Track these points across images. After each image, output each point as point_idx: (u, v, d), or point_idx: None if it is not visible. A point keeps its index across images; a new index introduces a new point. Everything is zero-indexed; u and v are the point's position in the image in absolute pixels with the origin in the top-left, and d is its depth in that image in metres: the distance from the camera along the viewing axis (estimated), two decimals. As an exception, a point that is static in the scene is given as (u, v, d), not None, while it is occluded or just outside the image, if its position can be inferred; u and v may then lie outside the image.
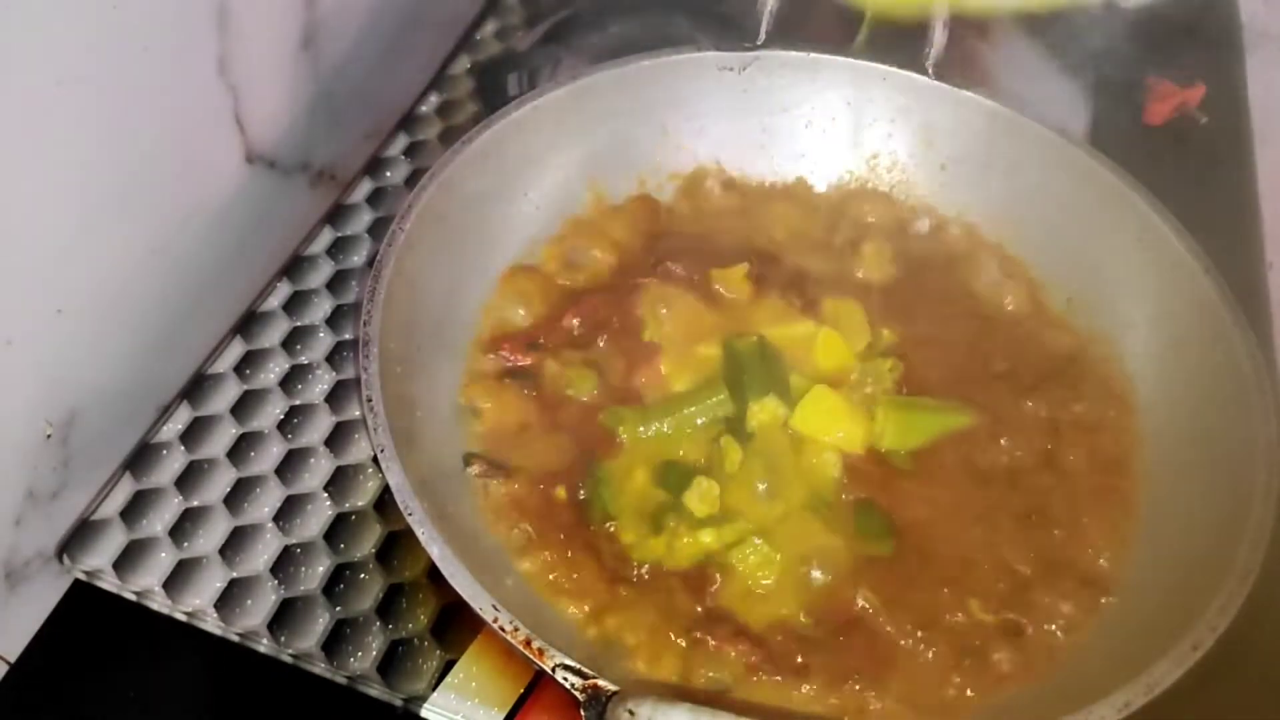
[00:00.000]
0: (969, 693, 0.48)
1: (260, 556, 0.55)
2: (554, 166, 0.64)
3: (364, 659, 0.52)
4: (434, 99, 0.79)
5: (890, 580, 0.51)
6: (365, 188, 0.73)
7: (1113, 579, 0.51)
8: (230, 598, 0.54)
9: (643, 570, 0.51)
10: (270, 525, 0.56)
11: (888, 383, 0.57)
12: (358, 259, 0.69)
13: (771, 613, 0.50)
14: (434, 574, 0.54)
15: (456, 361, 0.58)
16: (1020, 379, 0.59)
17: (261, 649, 0.53)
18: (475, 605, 0.42)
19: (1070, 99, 0.81)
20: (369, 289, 0.52)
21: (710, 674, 0.48)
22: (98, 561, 0.55)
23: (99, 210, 0.53)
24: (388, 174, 0.74)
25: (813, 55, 0.66)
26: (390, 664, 0.52)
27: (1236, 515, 0.47)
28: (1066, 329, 0.62)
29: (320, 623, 0.53)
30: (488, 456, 0.55)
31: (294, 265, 0.68)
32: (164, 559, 0.55)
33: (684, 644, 0.49)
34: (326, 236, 0.70)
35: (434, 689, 0.51)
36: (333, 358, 0.64)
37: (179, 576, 0.54)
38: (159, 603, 0.54)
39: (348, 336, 0.65)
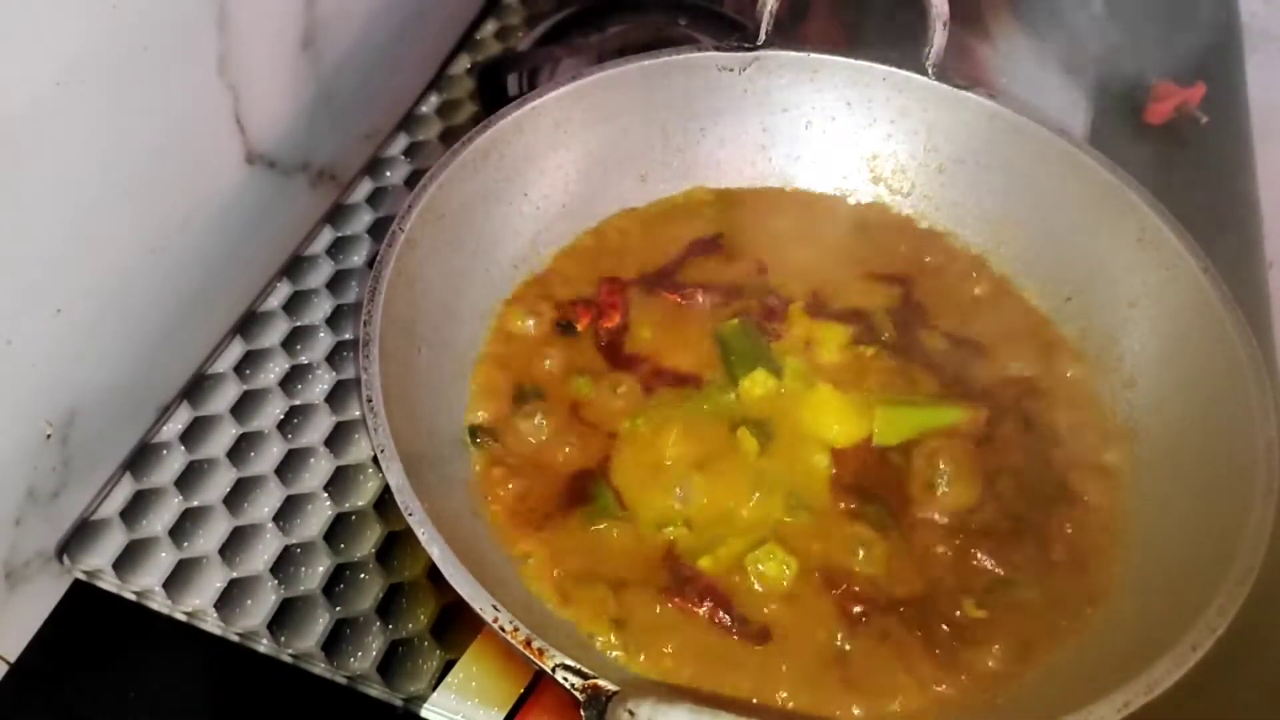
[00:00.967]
0: (967, 692, 0.48)
1: (260, 556, 0.55)
2: (554, 166, 0.64)
3: (364, 659, 0.52)
4: (434, 99, 0.79)
5: (886, 577, 0.51)
6: (365, 188, 0.73)
7: (1110, 579, 0.51)
8: (230, 598, 0.54)
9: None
10: (270, 525, 0.56)
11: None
12: (358, 259, 0.69)
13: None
14: (434, 574, 0.54)
15: (457, 361, 0.58)
16: (1012, 376, 0.59)
17: (261, 649, 0.53)
18: (475, 605, 0.42)
19: (1070, 99, 0.81)
20: (369, 289, 0.52)
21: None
22: (98, 561, 0.55)
23: (99, 210, 0.53)
24: (388, 174, 0.74)
25: (813, 55, 0.66)
26: (390, 664, 0.52)
27: (1236, 515, 0.47)
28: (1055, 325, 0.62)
29: (320, 623, 0.53)
30: (492, 429, 0.56)
31: (294, 265, 0.68)
32: (164, 559, 0.55)
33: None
34: (326, 236, 0.70)
35: (434, 689, 0.51)
36: (333, 358, 0.64)
37: (179, 576, 0.54)
38: (159, 603, 0.54)
39: (348, 336, 0.65)
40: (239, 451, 0.59)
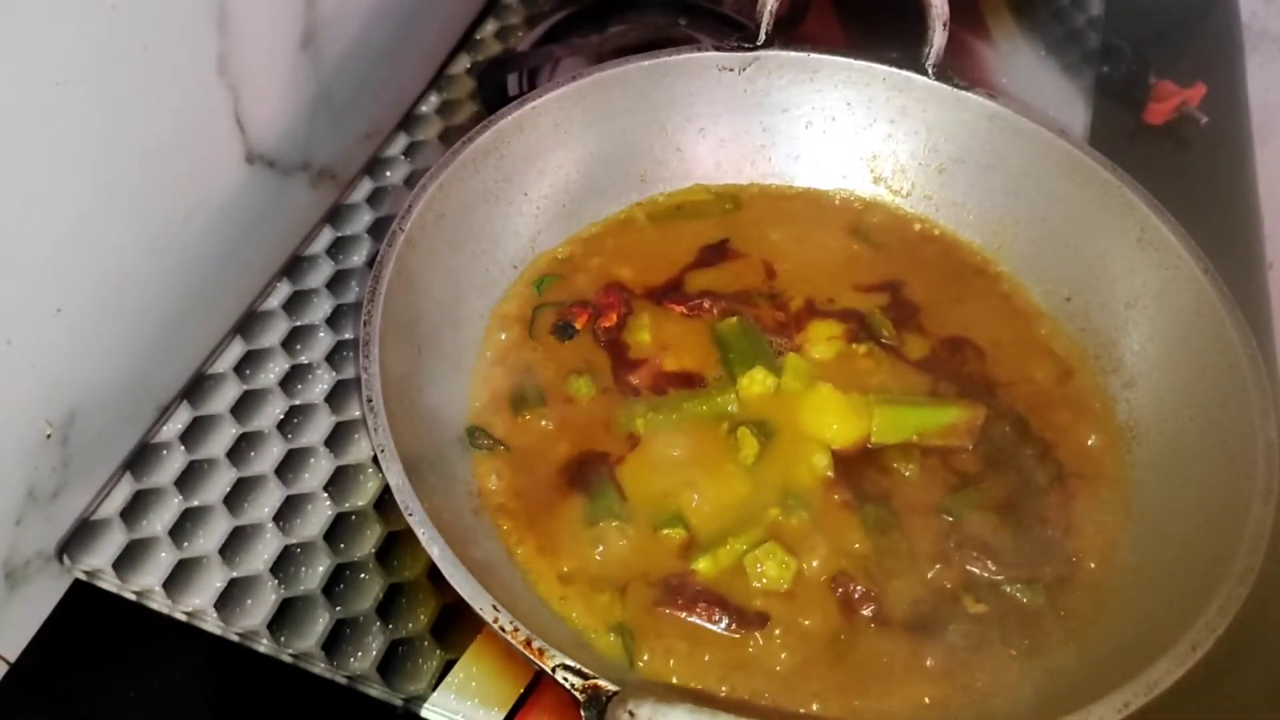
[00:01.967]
0: (967, 690, 0.48)
1: (260, 556, 0.55)
2: (554, 166, 0.64)
3: (364, 659, 0.52)
4: (434, 99, 0.79)
5: (886, 576, 0.51)
6: (365, 188, 0.73)
7: (1110, 579, 0.51)
8: (230, 598, 0.54)
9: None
10: (270, 525, 0.56)
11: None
12: (358, 259, 0.69)
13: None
14: (434, 574, 0.54)
15: (457, 361, 0.58)
16: (1012, 376, 0.59)
17: (261, 649, 0.53)
18: (475, 605, 0.42)
19: (1070, 99, 0.81)
20: (369, 289, 0.52)
21: None
22: (98, 561, 0.55)
23: (98, 210, 0.53)
24: (388, 174, 0.74)
25: (813, 55, 0.66)
26: (390, 664, 0.52)
27: (1236, 515, 0.47)
28: (1058, 328, 0.62)
29: (320, 623, 0.53)
30: (490, 433, 0.56)
31: (294, 265, 0.68)
32: (164, 559, 0.55)
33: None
34: (326, 236, 0.70)
35: (434, 689, 0.51)
36: (333, 358, 0.64)
37: (179, 576, 0.54)
38: (159, 603, 0.54)
39: (348, 336, 0.65)
40: (239, 451, 0.59)
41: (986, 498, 0.54)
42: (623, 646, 0.49)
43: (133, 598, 0.55)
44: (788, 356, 0.59)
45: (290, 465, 0.59)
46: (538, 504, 0.53)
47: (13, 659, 0.54)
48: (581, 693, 0.39)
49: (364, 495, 0.58)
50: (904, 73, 0.65)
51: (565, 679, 0.40)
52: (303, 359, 0.64)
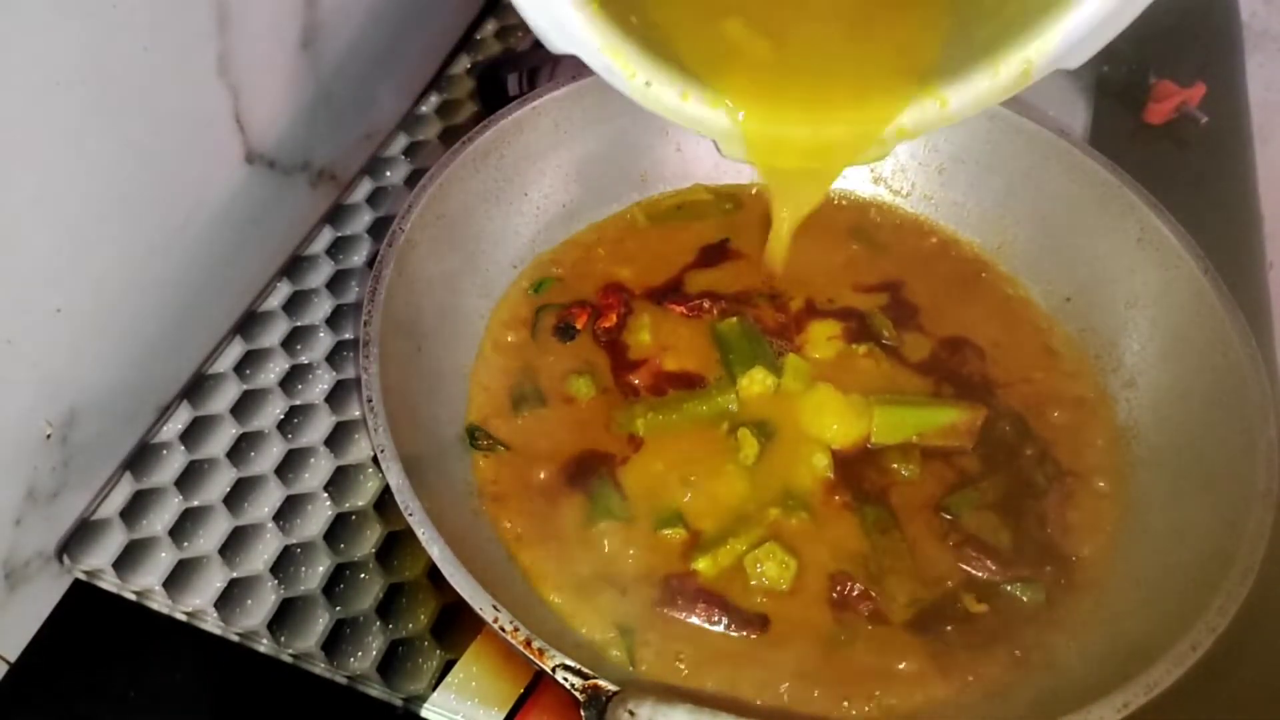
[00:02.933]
0: (967, 690, 0.48)
1: (260, 556, 0.55)
2: (554, 166, 0.64)
3: (364, 659, 0.52)
4: (434, 99, 0.79)
5: (885, 576, 0.51)
6: (365, 188, 0.73)
7: (1110, 579, 0.51)
8: (230, 598, 0.54)
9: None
10: (270, 525, 0.56)
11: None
12: (358, 259, 0.69)
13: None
14: (434, 574, 0.54)
15: (457, 361, 0.58)
16: (1011, 376, 0.59)
17: (261, 649, 0.53)
18: (475, 605, 0.42)
19: (1070, 99, 0.81)
20: (369, 289, 0.52)
21: None
22: (98, 561, 0.55)
23: (99, 210, 0.53)
24: (388, 174, 0.74)
25: (813, 55, 0.66)
26: (390, 664, 0.52)
27: (1236, 515, 0.47)
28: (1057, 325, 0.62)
29: (320, 623, 0.53)
30: (490, 433, 0.56)
31: (294, 265, 0.68)
32: (164, 559, 0.55)
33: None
34: (326, 236, 0.70)
35: (434, 689, 0.51)
36: (333, 358, 0.64)
37: (179, 576, 0.54)
38: (159, 603, 0.54)
39: (348, 336, 0.65)
40: (239, 451, 0.59)
41: (986, 498, 0.54)
42: (623, 646, 0.49)
43: (133, 598, 0.55)
44: (788, 357, 0.59)
45: (290, 465, 0.59)
46: (538, 504, 0.53)
47: (13, 659, 0.54)
48: (581, 693, 0.39)
49: (364, 495, 0.58)
50: (904, 73, 0.65)
51: (565, 679, 0.40)
52: (303, 359, 0.64)
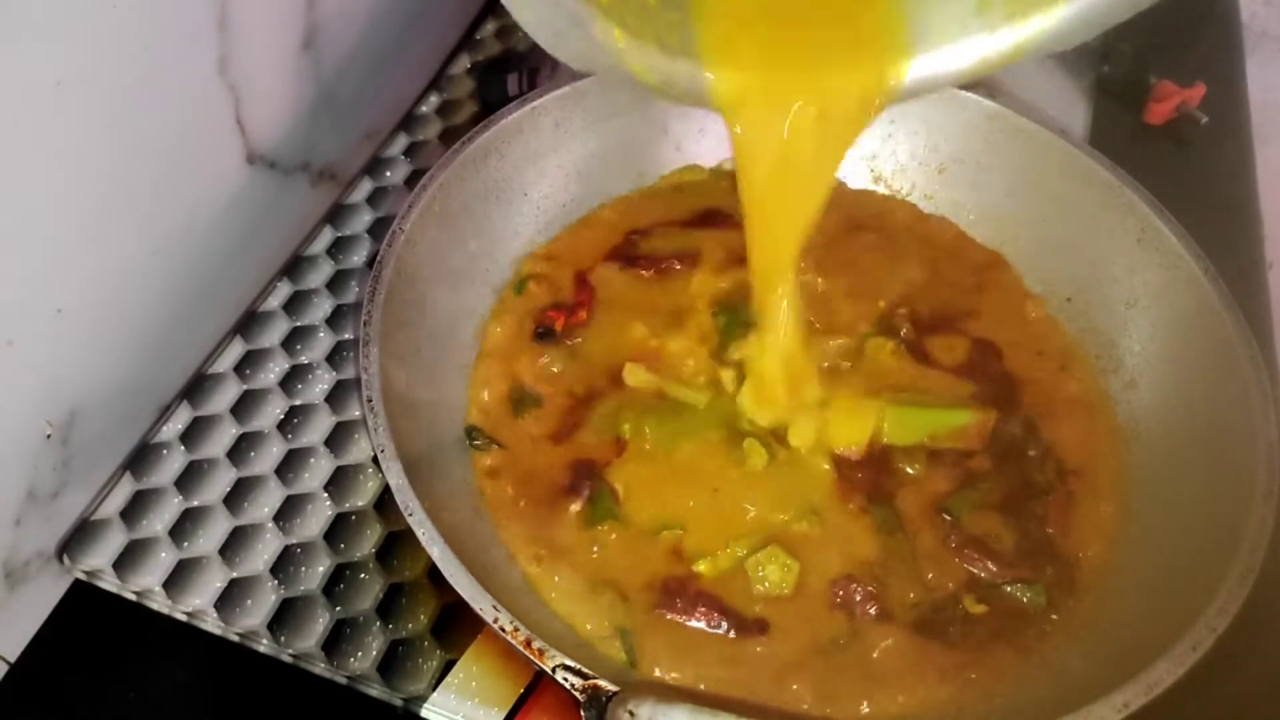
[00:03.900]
0: (968, 690, 0.48)
1: (260, 556, 0.55)
2: (554, 166, 0.64)
3: (364, 659, 0.52)
4: (434, 99, 0.79)
5: (890, 578, 0.51)
6: (365, 188, 0.73)
7: (1110, 579, 0.51)
8: (230, 598, 0.54)
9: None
10: (270, 525, 0.56)
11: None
12: (358, 259, 0.69)
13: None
14: (434, 574, 0.54)
15: (457, 361, 0.58)
16: (1011, 378, 0.59)
17: (261, 649, 0.53)
18: (475, 605, 0.42)
19: (1070, 99, 0.81)
20: (369, 289, 0.52)
21: None
22: (98, 561, 0.55)
23: (99, 210, 0.53)
24: (388, 174, 0.74)
25: (813, 55, 0.66)
26: (390, 664, 0.52)
27: (1236, 515, 0.47)
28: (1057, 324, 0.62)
29: (320, 623, 0.53)
30: (490, 433, 0.56)
31: (294, 265, 0.68)
32: (164, 559, 0.55)
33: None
34: (326, 236, 0.70)
35: (434, 689, 0.51)
36: (333, 358, 0.64)
37: (179, 576, 0.54)
38: (159, 603, 0.54)
39: (348, 336, 0.65)
40: (239, 451, 0.59)
41: (987, 498, 0.54)
42: (623, 647, 0.49)
43: (133, 598, 0.55)
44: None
45: (290, 465, 0.59)
46: (538, 504, 0.53)
47: (13, 659, 0.54)
48: (581, 693, 0.39)
49: (364, 495, 0.58)
50: (904, 73, 0.64)
51: (565, 679, 0.40)
52: (303, 359, 0.64)
